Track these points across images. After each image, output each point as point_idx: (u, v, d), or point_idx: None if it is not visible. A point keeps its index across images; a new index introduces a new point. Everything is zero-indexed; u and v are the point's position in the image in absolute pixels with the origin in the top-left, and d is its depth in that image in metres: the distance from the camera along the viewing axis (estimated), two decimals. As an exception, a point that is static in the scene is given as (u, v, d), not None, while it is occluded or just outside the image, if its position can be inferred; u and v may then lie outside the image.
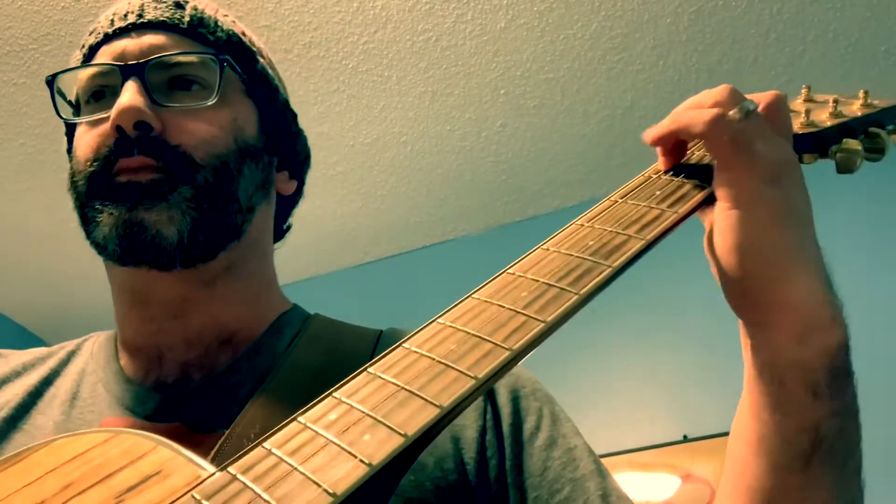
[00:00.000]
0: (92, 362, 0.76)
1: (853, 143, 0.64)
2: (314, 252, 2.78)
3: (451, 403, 0.43)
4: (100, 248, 0.69)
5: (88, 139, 0.70)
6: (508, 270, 0.53)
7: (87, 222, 0.69)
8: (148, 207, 0.66)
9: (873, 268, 2.10)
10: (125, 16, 0.73)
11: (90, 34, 0.76)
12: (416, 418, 0.42)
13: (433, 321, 0.50)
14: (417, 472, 0.63)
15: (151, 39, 0.72)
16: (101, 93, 0.71)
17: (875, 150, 0.66)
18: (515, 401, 0.69)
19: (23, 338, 3.12)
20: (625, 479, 2.18)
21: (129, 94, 0.67)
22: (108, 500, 0.47)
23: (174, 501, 0.43)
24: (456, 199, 2.62)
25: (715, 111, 0.55)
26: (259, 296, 0.76)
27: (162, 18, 0.73)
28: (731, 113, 0.55)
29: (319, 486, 0.40)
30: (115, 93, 0.69)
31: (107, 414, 0.69)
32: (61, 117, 0.73)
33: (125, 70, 0.69)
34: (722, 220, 0.55)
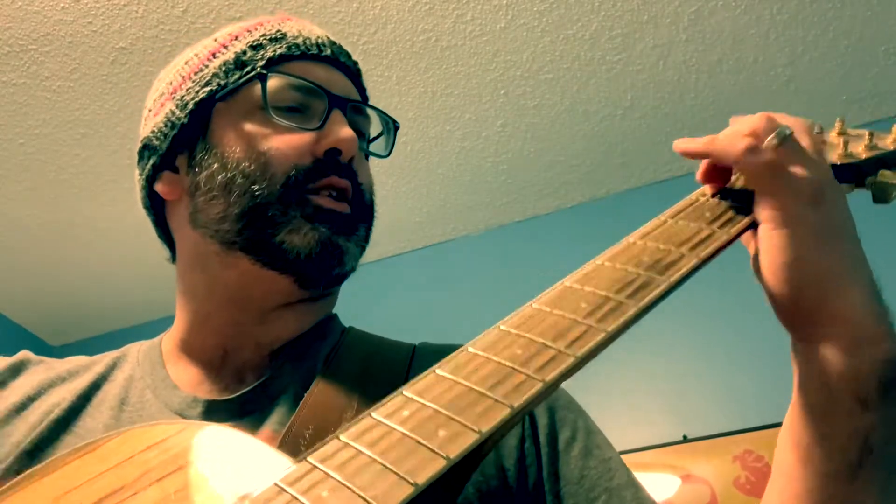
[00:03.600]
0: (139, 369, 0.78)
1: (889, 175, 0.68)
2: (314, 252, 2.78)
3: (520, 405, 0.45)
4: (284, 251, 0.71)
5: (286, 145, 0.73)
6: (566, 283, 0.55)
7: (278, 223, 0.71)
8: (346, 237, 0.73)
9: None
10: (318, 44, 0.79)
11: (271, 40, 0.78)
12: (489, 416, 0.44)
13: (496, 327, 0.52)
14: None
15: (341, 79, 0.80)
16: (300, 109, 0.75)
17: None
18: (552, 412, 0.71)
19: (23, 338, 3.12)
20: (625, 479, 2.18)
21: (348, 127, 0.74)
22: (186, 487, 0.48)
23: (262, 492, 0.44)
24: (456, 199, 2.62)
25: (746, 142, 0.57)
26: (326, 309, 0.82)
27: (347, 64, 0.81)
28: (767, 140, 0.57)
29: (399, 475, 0.41)
30: (314, 113, 0.75)
31: (156, 417, 0.71)
32: (277, 121, 0.74)
33: (335, 100, 0.76)
34: (766, 240, 0.56)
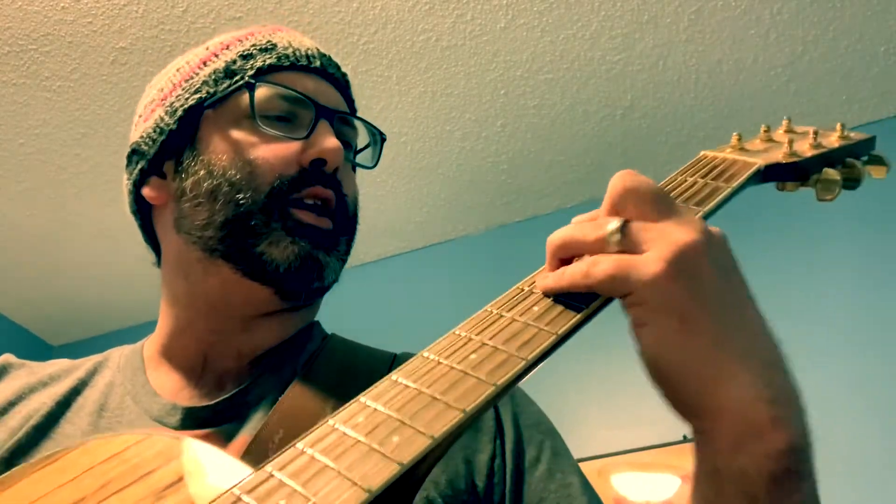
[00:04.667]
0: (119, 375, 0.78)
1: (832, 173, 0.68)
2: (314, 252, 2.78)
3: (472, 409, 0.45)
4: (264, 262, 0.71)
5: (272, 154, 0.74)
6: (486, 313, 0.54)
7: (259, 234, 0.72)
8: (326, 251, 0.73)
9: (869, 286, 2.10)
10: (308, 56, 0.79)
11: (262, 50, 0.78)
12: (443, 422, 0.44)
13: (449, 332, 0.52)
14: (432, 488, 0.65)
15: (329, 90, 0.80)
16: (288, 118, 0.76)
17: (852, 179, 0.71)
18: (518, 430, 0.72)
19: (23, 338, 3.13)
20: (625, 479, 2.18)
21: (334, 138, 0.75)
22: (147, 497, 0.48)
23: (216, 499, 0.44)
24: (456, 199, 2.62)
25: (571, 273, 0.51)
26: (306, 318, 0.82)
27: (336, 75, 0.82)
28: (582, 269, 0.51)
29: (354, 482, 0.41)
30: (301, 123, 0.76)
31: (136, 424, 0.71)
32: (263, 129, 0.74)
33: (322, 111, 0.76)
34: (635, 335, 0.51)
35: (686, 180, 0.63)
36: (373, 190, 2.57)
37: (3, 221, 2.61)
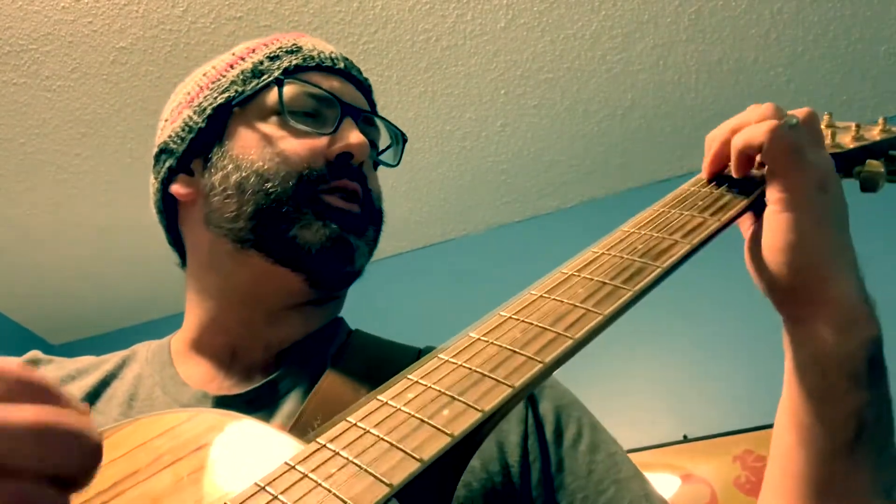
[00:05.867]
0: (147, 367, 0.79)
1: (876, 165, 0.71)
2: (314, 252, 2.78)
3: (521, 385, 0.46)
4: (297, 245, 0.73)
5: (300, 146, 0.76)
6: (563, 270, 0.57)
7: (292, 220, 0.73)
8: (356, 235, 0.75)
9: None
10: (333, 58, 0.82)
11: (287, 52, 0.81)
12: (491, 395, 0.45)
13: (494, 314, 0.54)
14: (466, 472, 0.66)
15: (354, 91, 0.83)
16: (314, 115, 0.78)
17: (895, 172, 0.73)
18: (557, 410, 0.74)
19: (23, 338, 3.12)
20: (625, 479, 2.18)
21: (360, 134, 0.77)
22: (199, 470, 0.49)
23: (272, 473, 0.45)
24: (456, 199, 2.62)
25: (772, 122, 0.60)
26: (332, 313, 0.83)
27: (359, 78, 0.85)
28: (782, 124, 0.60)
29: (405, 451, 0.42)
30: (327, 120, 0.78)
31: None
32: (292, 123, 0.77)
33: (347, 109, 0.79)
34: (773, 221, 0.60)
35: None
36: (373, 190, 2.57)
37: (3, 221, 2.61)
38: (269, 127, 0.77)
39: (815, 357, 0.59)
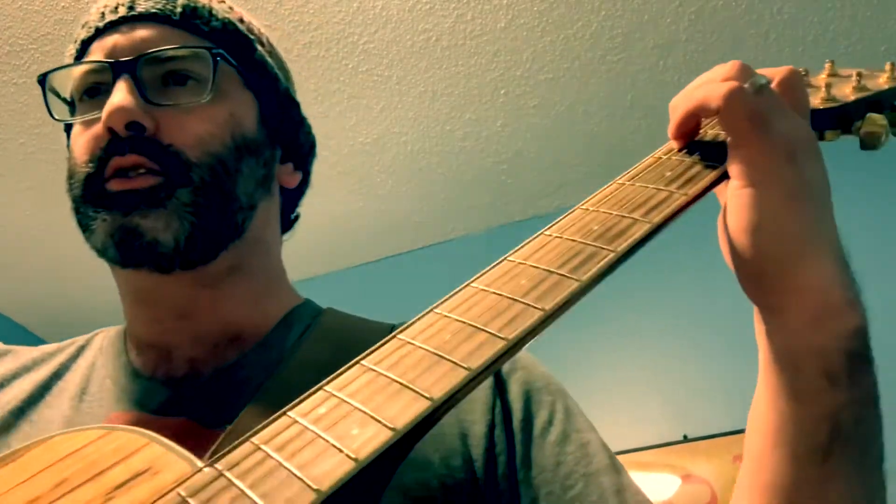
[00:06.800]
0: (101, 357, 0.76)
1: (878, 118, 0.62)
2: (314, 252, 2.78)
3: (442, 396, 0.42)
4: (99, 252, 0.69)
5: (83, 140, 0.69)
6: (509, 258, 0.52)
7: (83, 228, 0.69)
8: (144, 214, 0.65)
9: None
10: (115, 8, 0.71)
11: (82, 27, 0.74)
12: (407, 412, 0.41)
13: (429, 311, 0.50)
14: (423, 469, 0.62)
15: (143, 33, 0.70)
16: (95, 90, 0.70)
17: None
18: (527, 395, 0.68)
19: (23, 338, 3.13)
20: (625, 479, 2.18)
21: (121, 94, 0.66)
22: (98, 497, 0.47)
23: (161, 498, 0.43)
24: (456, 199, 2.62)
25: (730, 84, 0.54)
26: (267, 292, 0.76)
27: (153, 10, 0.71)
28: (744, 87, 0.54)
29: (304, 481, 0.39)
30: (109, 90, 0.67)
31: (115, 408, 0.69)
32: (54, 118, 0.72)
33: (116, 67, 0.68)
34: (735, 198, 0.53)
35: (707, 133, 0.59)
36: (373, 190, 2.57)
37: (3, 221, 2.61)
38: (74, 126, 0.71)
39: (785, 351, 0.53)
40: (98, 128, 0.67)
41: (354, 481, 0.39)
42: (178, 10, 0.72)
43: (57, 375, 0.75)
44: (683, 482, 2.08)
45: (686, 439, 2.12)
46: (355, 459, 0.40)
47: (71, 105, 0.75)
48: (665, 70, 2.17)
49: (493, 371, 0.45)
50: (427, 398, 0.42)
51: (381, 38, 2.08)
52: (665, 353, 2.27)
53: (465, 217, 2.69)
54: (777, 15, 2.01)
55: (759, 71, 0.58)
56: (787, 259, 0.52)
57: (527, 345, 0.45)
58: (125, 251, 0.66)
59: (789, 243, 0.52)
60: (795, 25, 2.04)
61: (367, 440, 0.41)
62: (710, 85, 0.55)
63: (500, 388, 0.68)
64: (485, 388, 0.67)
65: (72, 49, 0.76)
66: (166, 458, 0.48)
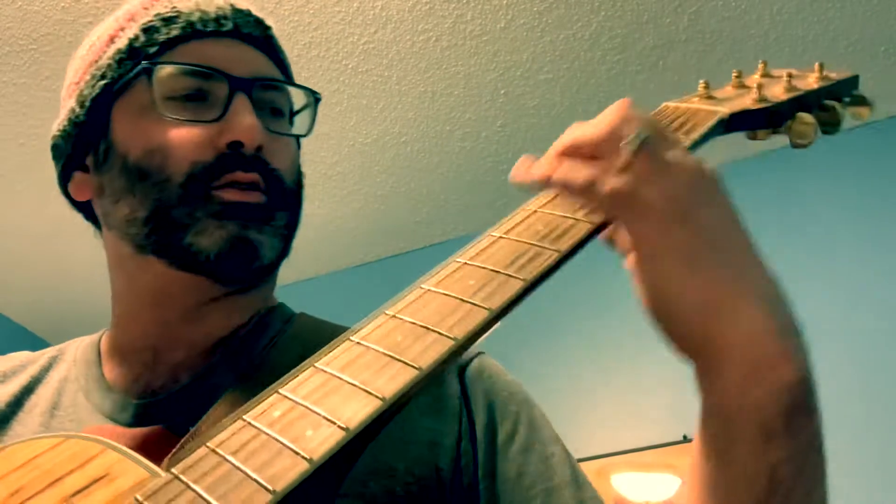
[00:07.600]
0: (74, 369, 0.75)
1: (806, 118, 0.63)
2: (314, 252, 2.78)
3: (393, 396, 0.43)
4: (194, 253, 0.66)
5: (187, 140, 0.67)
6: (457, 259, 0.54)
7: (181, 228, 0.66)
8: (259, 229, 0.67)
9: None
10: (217, 18, 0.72)
11: (164, 20, 0.71)
12: (360, 412, 0.42)
13: (380, 312, 0.51)
14: (387, 477, 0.62)
15: (247, 55, 0.72)
16: (199, 96, 0.69)
17: (830, 124, 0.66)
18: (490, 406, 0.68)
19: (23, 338, 3.13)
20: (625, 479, 2.18)
21: (251, 115, 0.68)
22: (56, 503, 0.47)
23: (118, 503, 0.43)
24: (456, 199, 2.62)
25: (588, 173, 0.51)
26: (262, 300, 0.77)
27: (254, 34, 0.74)
28: (616, 163, 0.50)
29: (259, 483, 0.40)
30: (216, 99, 0.68)
31: (87, 422, 0.69)
32: (167, 116, 0.68)
33: (236, 83, 0.69)
34: (635, 273, 0.51)
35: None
36: (373, 190, 2.57)
37: (3, 221, 2.61)
38: (151, 120, 0.68)
39: (720, 408, 0.50)
40: (206, 133, 0.67)
41: (309, 481, 0.40)
42: (263, 34, 0.75)
43: (28, 390, 0.74)
44: (683, 482, 2.08)
45: (686, 439, 2.12)
46: (310, 460, 0.40)
47: (114, 91, 0.71)
48: (665, 70, 2.17)
49: (444, 368, 0.45)
50: (379, 398, 0.43)
51: (381, 38, 2.08)
52: (665, 353, 2.26)
53: (465, 217, 2.69)
54: (777, 15, 2.01)
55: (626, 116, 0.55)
56: (705, 322, 0.49)
57: (478, 342, 0.46)
58: (239, 262, 0.67)
59: (703, 307, 0.48)
60: (795, 25, 2.04)
61: (321, 441, 0.41)
62: (571, 168, 0.52)
63: (466, 398, 0.68)
64: (453, 397, 0.68)
65: (131, 29, 0.72)
66: (123, 464, 0.49)
